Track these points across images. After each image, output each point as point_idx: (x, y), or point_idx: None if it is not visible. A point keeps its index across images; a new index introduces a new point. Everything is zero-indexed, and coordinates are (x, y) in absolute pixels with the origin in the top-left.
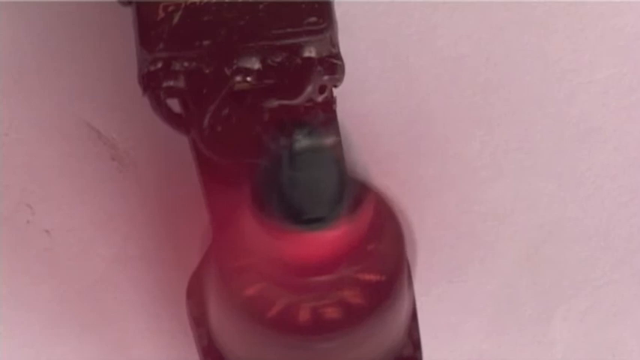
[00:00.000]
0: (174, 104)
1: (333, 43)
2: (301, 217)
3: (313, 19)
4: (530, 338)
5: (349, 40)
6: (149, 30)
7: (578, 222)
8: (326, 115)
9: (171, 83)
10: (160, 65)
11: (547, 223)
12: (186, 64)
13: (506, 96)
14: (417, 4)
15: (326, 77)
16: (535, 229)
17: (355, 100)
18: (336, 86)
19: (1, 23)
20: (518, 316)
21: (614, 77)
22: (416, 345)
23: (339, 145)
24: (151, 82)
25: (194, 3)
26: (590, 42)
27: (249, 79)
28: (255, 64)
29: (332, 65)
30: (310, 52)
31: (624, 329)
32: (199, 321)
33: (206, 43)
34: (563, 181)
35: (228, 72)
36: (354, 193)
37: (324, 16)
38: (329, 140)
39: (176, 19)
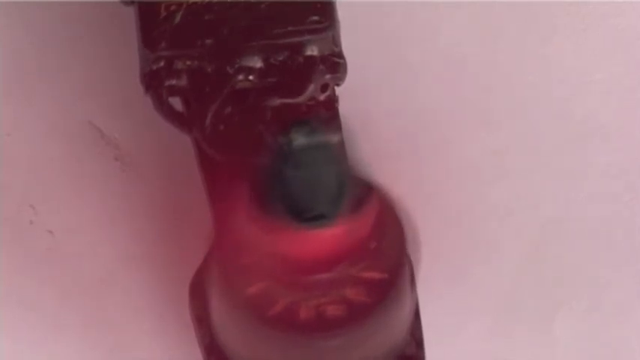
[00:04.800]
0: (177, 103)
1: (336, 42)
2: (303, 215)
3: (315, 17)
4: (532, 337)
5: (352, 39)
6: (151, 29)
7: (580, 222)
8: (328, 113)
9: (173, 82)
10: (162, 64)
11: (549, 223)
12: (188, 62)
13: (508, 96)
14: (419, 4)
15: (328, 76)
16: (537, 229)
17: (358, 98)
18: (338, 85)
19: (2, 23)
20: (520, 315)
21: (615, 77)
22: (418, 343)
23: (341, 144)
24: (153, 81)
25: (196, 2)
26: (591, 42)
27: (251, 77)
28: (258, 63)
29: (334, 64)
30: (312, 51)
31: (626, 329)
32: (202, 320)
33: (208, 41)
34: (565, 180)
35: (230, 71)
36: (356, 191)
37: (326, 15)
38: (331, 138)
39: (178, 18)
